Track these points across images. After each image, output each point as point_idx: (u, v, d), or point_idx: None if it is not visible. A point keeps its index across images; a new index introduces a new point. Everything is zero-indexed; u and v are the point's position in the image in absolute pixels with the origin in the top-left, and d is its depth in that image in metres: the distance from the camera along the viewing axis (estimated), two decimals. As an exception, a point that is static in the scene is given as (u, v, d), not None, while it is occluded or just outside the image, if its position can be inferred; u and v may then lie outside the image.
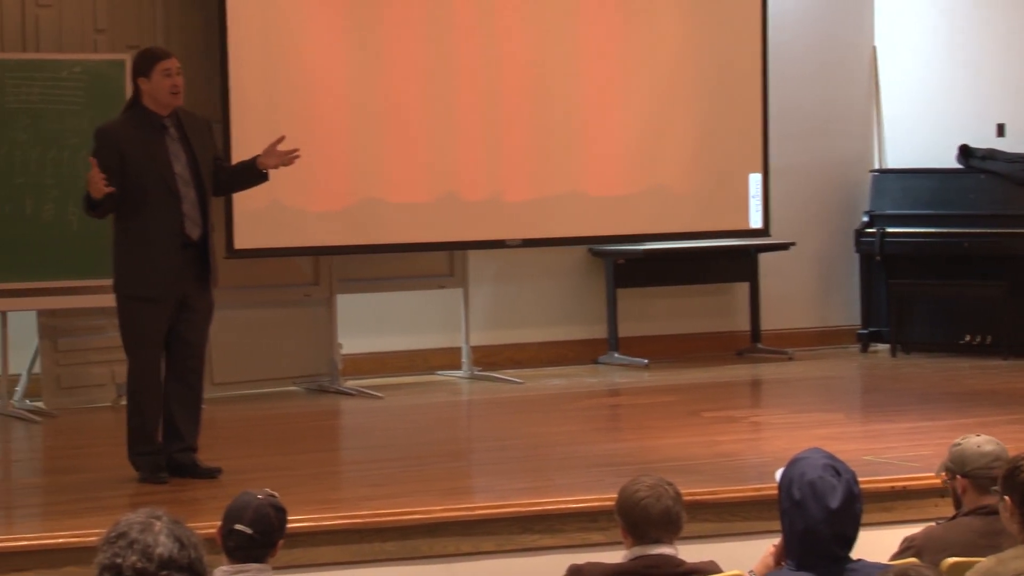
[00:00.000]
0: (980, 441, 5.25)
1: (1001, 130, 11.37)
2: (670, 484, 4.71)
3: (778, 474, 4.24)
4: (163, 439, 7.11)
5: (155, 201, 6.99)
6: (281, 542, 4.66)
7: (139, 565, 2.83)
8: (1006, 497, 4.37)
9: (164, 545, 2.85)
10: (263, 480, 6.82)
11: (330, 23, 9.53)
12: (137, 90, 7.11)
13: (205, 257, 7.09)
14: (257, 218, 9.31)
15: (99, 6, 9.33)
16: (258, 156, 7.35)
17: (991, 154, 11.24)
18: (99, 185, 6.90)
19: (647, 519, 4.62)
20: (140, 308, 7.01)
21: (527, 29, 10.06)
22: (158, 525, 2.88)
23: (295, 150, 7.33)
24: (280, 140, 7.32)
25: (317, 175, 9.46)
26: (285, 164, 7.37)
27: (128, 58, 9.10)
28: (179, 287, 7.03)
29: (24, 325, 9.16)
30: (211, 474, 7.10)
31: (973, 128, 11.36)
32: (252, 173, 7.40)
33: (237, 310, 9.64)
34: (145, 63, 7.11)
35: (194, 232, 7.06)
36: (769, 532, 4.41)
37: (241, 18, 9.26)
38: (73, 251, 8.96)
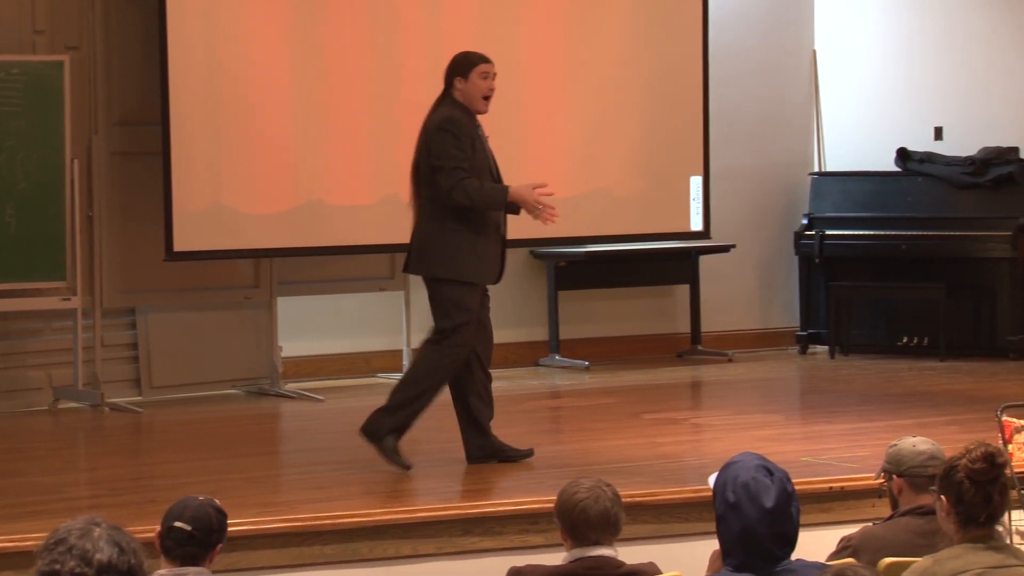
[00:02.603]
0: (915, 441, 5.31)
1: (939, 133, 11.46)
2: (608, 485, 4.73)
3: (711, 479, 4.27)
4: (474, 433, 7.30)
5: None
6: (220, 546, 4.64)
7: (78, 571, 2.82)
8: (942, 497, 4.40)
9: (103, 551, 2.84)
10: (202, 484, 6.80)
11: (272, 24, 9.50)
12: (450, 87, 7.31)
13: (505, 251, 7.38)
14: (198, 220, 9.27)
15: (38, 7, 9.28)
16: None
17: (929, 157, 11.33)
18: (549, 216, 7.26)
19: (586, 521, 4.63)
20: (471, 295, 7.20)
21: (471, 32, 10.04)
22: (97, 531, 2.87)
23: (553, 212, 7.33)
24: (542, 186, 7.35)
25: (258, 177, 9.44)
26: (534, 212, 7.32)
27: (67, 59, 9.08)
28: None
29: (-39, 328, 9.10)
30: (527, 455, 7.33)
31: (911, 131, 11.45)
32: None
33: (177, 312, 9.62)
34: (465, 64, 7.32)
35: (503, 226, 7.33)
36: (708, 533, 4.43)
37: (181, 18, 9.22)
38: (11, 254, 8.89)
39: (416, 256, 7.31)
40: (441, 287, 7.23)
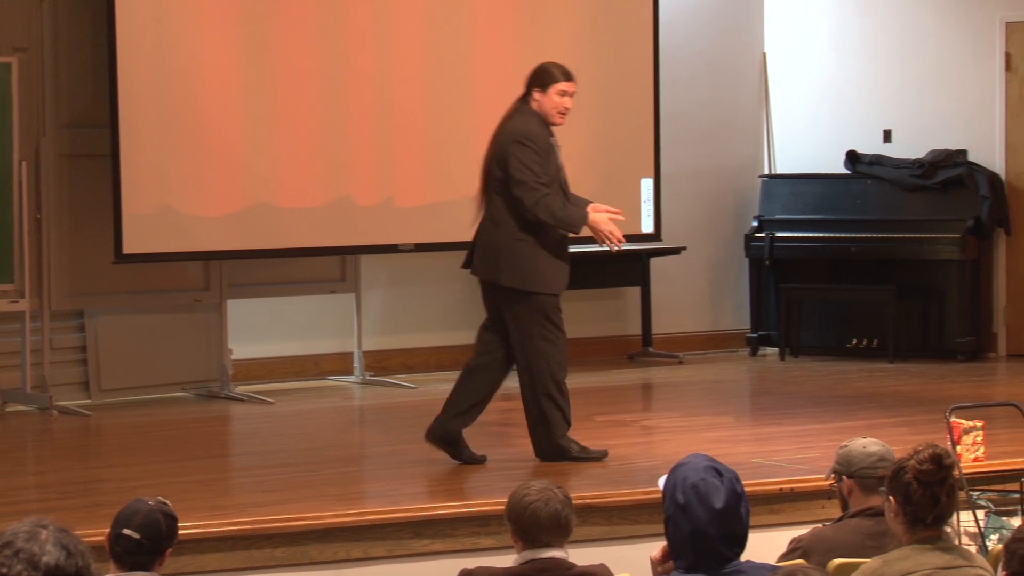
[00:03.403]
0: (866, 443, 5.33)
1: (888, 136, 11.52)
2: (559, 488, 4.73)
3: (661, 481, 4.28)
4: (451, 415, 7.42)
5: None
6: (170, 551, 4.62)
7: (25, 574, 2.80)
8: (891, 498, 4.42)
9: (51, 554, 2.82)
10: (152, 487, 6.75)
11: (222, 26, 9.46)
12: (528, 96, 7.47)
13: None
14: (147, 223, 9.22)
15: (-15, 8, 9.22)
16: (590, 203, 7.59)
17: (878, 160, 11.38)
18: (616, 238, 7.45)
19: (536, 523, 4.63)
20: (557, 304, 7.38)
21: (421, 34, 10.05)
22: (44, 533, 2.85)
23: (619, 241, 7.54)
24: (617, 213, 7.62)
25: (208, 179, 9.40)
26: (599, 234, 7.51)
27: (15, 60, 9.02)
28: None
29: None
30: (479, 460, 7.45)
31: (860, 134, 11.50)
32: None
33: (126, 315, 9.57)
34: (546, 77, 7.48)
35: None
36: (658, 535, 4.43)
37: (130, 20, 9.17)
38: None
39: (487, 262, 7.45)
40: (537, 300, 7.36)
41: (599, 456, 7.47)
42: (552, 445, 7.41)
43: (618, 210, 7.65)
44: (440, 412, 7.51)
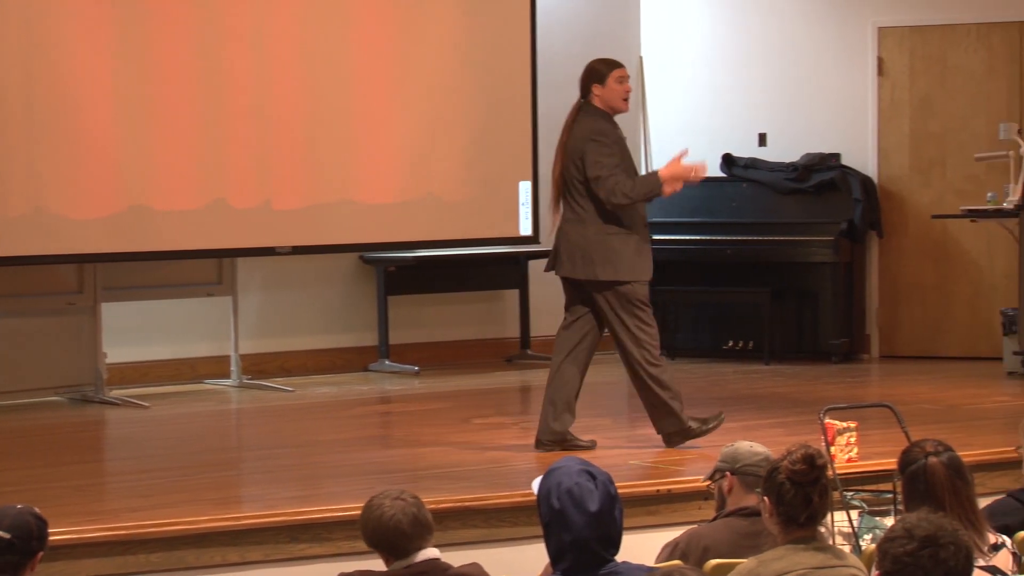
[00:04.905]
0: (752, 444, 5.44)
1: (763, 139, 11.64)
2: (403, 491, 4.75)
3: (535, 485, 4.30)
4: (553, 416, 7.70)
5: None
6: (41, 555, 4.58)
7: None
8: (766, 498, 4.48)
9: None
10: (24, 492, 6.68)
11: (95, 26, 9.35)
12: (588, 95, 7.76)
13: None
14: (18, 225, 9.09)
15: None
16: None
17: (753, 163, 11.50)
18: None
19: (402, 534, 4.63)
20: (644, 289, 7.69)
21: (298, 36, 10.00)
22: None
23: (702, 169, 7.73)
24: (683, 153, 7.73)
25: (81, 181, 9.28)
26: (678, 178, 7.66)
27: None
28: None
29: None
30: (589, 446, 7.71)
31: (735, 137, 11.60)
32: None
33: (-2, 319, 9.45)
34: (600, 72, 7.78)
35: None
36: (537, 537, 4.45)
37: None
38: None
39: (580, 260, 7.67)
40: (634, 289, 7.65)
41: (713, 424, 7.68)
42: (679, 427, 7.66)
43: (684, 152, 7.84)
44: (541, 418, 7.72)
